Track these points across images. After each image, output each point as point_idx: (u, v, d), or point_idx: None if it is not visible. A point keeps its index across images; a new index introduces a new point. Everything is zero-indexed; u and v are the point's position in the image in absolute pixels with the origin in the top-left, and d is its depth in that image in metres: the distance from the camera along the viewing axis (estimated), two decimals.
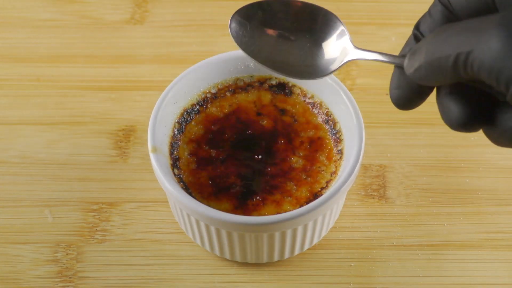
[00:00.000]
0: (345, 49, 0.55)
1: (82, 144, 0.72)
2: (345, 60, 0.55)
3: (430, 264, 0.64)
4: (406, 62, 0.47)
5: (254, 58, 0.56)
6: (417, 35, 0.50)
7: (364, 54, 0.54)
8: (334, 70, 0.55)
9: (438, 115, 0.75)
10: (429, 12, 0.50)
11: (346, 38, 0.56)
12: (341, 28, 0.56)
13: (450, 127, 0.47)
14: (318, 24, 0.56)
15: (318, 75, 0.55)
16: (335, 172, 0.62)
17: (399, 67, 0.50)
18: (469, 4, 0.47)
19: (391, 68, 0.78)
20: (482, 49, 0.40)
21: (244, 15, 0.57)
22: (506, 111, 0.45)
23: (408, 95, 0.49)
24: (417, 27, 0.51)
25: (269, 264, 0.64)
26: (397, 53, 0.80)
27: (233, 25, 0.57)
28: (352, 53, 0.55)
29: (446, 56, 0.43)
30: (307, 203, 0.60)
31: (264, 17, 0.57)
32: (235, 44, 0.80)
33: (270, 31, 0.57)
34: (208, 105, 0.66)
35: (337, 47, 0.56)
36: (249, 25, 0.57)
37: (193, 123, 0.64)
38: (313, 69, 0.55)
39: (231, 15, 0.57)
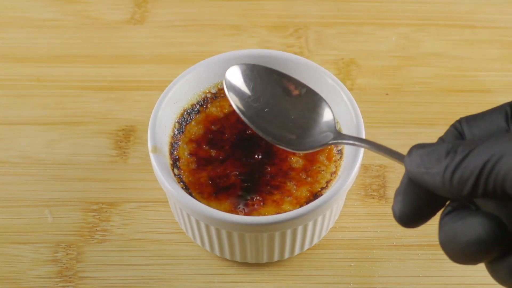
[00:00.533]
0: (330, 133, 0.57)
1: (82, 144, 0.72)
2: (329, 141, 0.57)
3: (430, 264, 0.64)
4: (411, 159, 0.44)
5: (242, 115, 0.58)
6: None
7: (350, 140, 0.55)
8: (317, 148, 0.57)
9: (438, 115, 0.76)
10: (441, 139, 0.48)
11: (333, 123, 0.58)
12: (330, 115, 0.59)
13: (459, 250, 0.43)
14: (308, 104, 0.59)
15: (300, 149, 0.57)
16: (335, 172, 0.62)
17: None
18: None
19: (391, 68, 0.78)
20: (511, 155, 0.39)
21: (241, 72, 0.60)
22: None
23: (416, 208, 0.45)
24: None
25: (269, 264, 0.64)
26: (397, 54, 0.80)
27: (228, 78, 0.60)
28: (338, 136, 0.57)
29: (473, 166, 0.41)
30: (307, 203, 0.60)
31: (262, 81, 0.60)
32: (235, 45, 0.80)
33: (267, 94, 0.60)
34: (208, 105, 0.66)
35: (323, 131, 0.58)
36: (243, 81, 0.60)
37: (193, 123, 0.64)
38: (295, 141, 0.58)
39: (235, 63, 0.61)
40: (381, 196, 0.68)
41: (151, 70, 0.78)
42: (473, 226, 0.41)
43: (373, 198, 0.68)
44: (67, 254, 0.65)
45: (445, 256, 0.65)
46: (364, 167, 0.70)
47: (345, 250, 0.65)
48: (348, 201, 0.68)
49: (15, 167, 0.70)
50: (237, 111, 0.59)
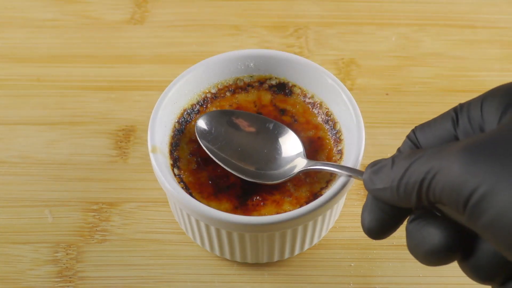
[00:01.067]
0: (299, 162, 0.60)
1: (82, 144, 0.72)
2: (297, 171, 0.60)
3: None
4: (367, 177, 0.47)
5: (215, 157, 0.61)
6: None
7: (319, 167, 0.58)
8: (285, 179, 0.60)
9: (438, 115, 0.75)
10: (398, 151, 0.51)
11: (301, 152, 0.61)
12: (300, 146, 0.61)
13: (422, 257, 0.45)
14: (277, 137, 0.62)
15: (274, 180, 0.60)
16: None
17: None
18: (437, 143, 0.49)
19: (391, 68, 0.78)
20: (445, 170, 0.42)
21: (211, 118, 0.62)
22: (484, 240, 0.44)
23: (382, 221, 0.48)
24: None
25: (269, 264, 0.64)
26: (397, 54, 0.80)
27: (199, 125, 0.62)
28: (306, 164, 0.60)
29: (413, 181, 0.43)
30: (307, 203, 0.59)
31: (230, 124, 0.63)
32: (235, 45, 0.80)
33: (235, 136, 0.62)
34: (208, 105, 0.66)
35: (291, 159, 0.61)
36: (214, 127, 0.62)
37: (193, 123, 0.64)
38: (267, 173, 0.60)
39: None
40: None
41: (151, 70, 0.78)
42: (430, 237, 0.45)
43: None
44: (67, 254, 0.65)
45: None
46: (364, 167, 0.70)
47: (345, 250, 0.65)
48: (348, 201, 0.68)
49: (15, 167, 0.70)
50: (211, 156, 0.61)
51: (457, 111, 0.48)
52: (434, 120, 0.49)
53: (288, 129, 0.62)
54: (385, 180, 0.46)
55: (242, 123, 0.63)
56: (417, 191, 0.44)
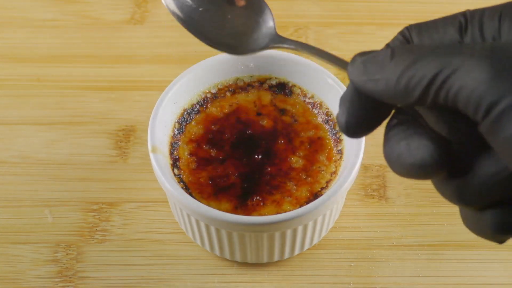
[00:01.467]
0: (271, 37, 0.55)
1: (82, 144, 0.72)
2: (269, 46, 0.54)
3: (430, 264, 0.64)
4: (354, 68, 0.41)
5: (179, 20, 0.56)
6: None
7: (288, 44, 0.52)
8: (254, 52, 0.55)
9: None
10: (387, 46, 0.45)
11: (273, 28, 0.55)
12: (271, 20, 0.56)
13: (403, 169, 0.40)
14: (253, 11, 0.57)
15: (238, 52, 0.55)
16: (335, 172, 0.62)
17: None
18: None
19: None
20: (469, 71, 0.37)
21: None
22: (486, 156, 0.40)
23: (361, 118, 0.42)
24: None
25: (269, 264, 0.64)
26: None
27: None
28: (276, 40, 0.54)
29: (421, 75, 0.38)
30: (307, 203, 0.60)
31: None
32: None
33: (207, 1, 0.57)
34: (208, 105, 0.66)
35: (263, 35, 0.56)
36: None
37: (193, 123, 0.65)
38: (236, 46, 0.55)
39: None
40: (381, 196, 0.68)
41: (151, 70, 0.78)
42: (418, 149, 0.40)
43: (373, 198, 0.68)
44: (67, 254, 0.65)
45: (445, 256, 0.65)
46: (364, 167, 0.70)
47: (345, 250, 0.65)
48: (348, 201, 0.68)
49: (15, 167, 0.70)
50: (175, 16, 0.56)
51: (467, 16, 0.43)
52: (435, 21, 0.44)
53: (263, 1, 0.57)
54: (381, 71, 0.40)
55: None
56: (424, 87, 0.38)
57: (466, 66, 0.37)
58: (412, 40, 0.44)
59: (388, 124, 0.43)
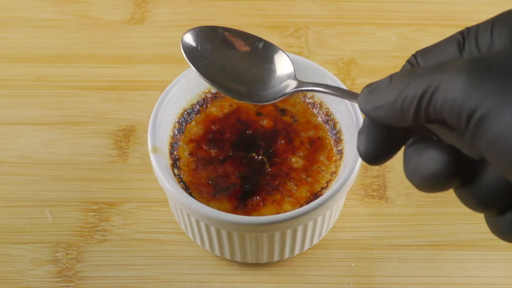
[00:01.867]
0: (290, 82, 0.57)
1: (82, 144, 0.72)
2: (288, 91, 0.57)
3: (430, 264, 0.64)
4: (362, 98, 0.45)
5: (202, 75, 0.58)
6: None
7: (310, 86, 0.56)
8: (278, 99, 0.57)
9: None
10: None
11: (292, 72, 0.58)
12: (288, 62, 0.59)
13: (420, 182, 0.43)
14: (268, 57, 0.59)
15: (262, 100, 0.57)
16: (335, 172, 0.62)
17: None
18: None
19: (391, 68, 0.78)
20: (448, 85, 0.40)
21: (198, 34, 0.60)
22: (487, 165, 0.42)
23: (379, 146, 0.45)
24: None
25: (269, 264, 0.64)
26: (397, 54, 0.80)
27: (186, 41, 0.59)
28: (297, 85, 0.57)
29: (412, 95, 0.41)
30: (307, 203, 0.60)
31: (219, 40, 0.60)
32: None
33: (222, 53, 0.59)
34: (208, 105, 0.66)
35: (282, 80, 0.58)
36: (201, 44, 0.59)
37: (193, 123, 0.64)
38: (257, 94, 0.58)
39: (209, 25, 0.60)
40: (381, 196, 0.68)
41: (151, 70, 0.78)
42: (428, 161, 0.42)
43: (373, 198, 0.68)
44: (67, 254, 0.65)
45: (445, 256, 0.65)
46: (364, 167, 0.70)
47: (345, 250, 0.65)
48: (348, 201, 0.68)
49: (15, 167, 0.70)
50: (197, 73, 0.58)
51: (464, 34, 0.46)
52: (437, 44, 0.47)
53: (279, 48, 0.60)
54: (382, 97, 0.43)
55: (230, 40, 0.60)
56: (416, 106, 0.41)
57: (447, 81, 0.40)
58: (418, 65, 0.47)
59: (406, 144, 0.45)
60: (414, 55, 0.48)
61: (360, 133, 0.46)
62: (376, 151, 0.45)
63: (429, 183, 0.42)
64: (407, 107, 0.42)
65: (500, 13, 0.45)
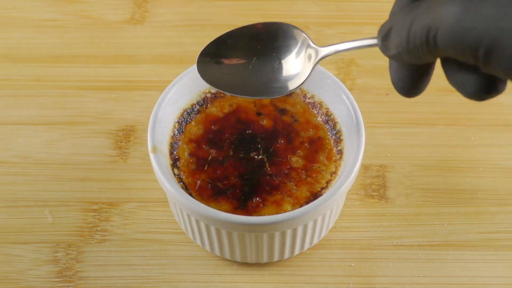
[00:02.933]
0: (314, 52, 0.57)
1: (82, 144, 0.72)
2: (316, 60, 0.56)
3: (430, 264, 0.64)
4: (380, 46, 0.48)
5: (226, 91, 0.58)
6: None
7: (333, 48, 0.55)
8: (308, 76, 0.57)
9: (438, 115, 0.75)
10: None
11: (309, 43, 0.57)
12: (302, 36, 0.57)
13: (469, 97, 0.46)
14: (280, 40, 0.58)
15: (290, 88, 0.57)
16: (335, 172, 0.61)
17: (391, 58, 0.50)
18: None
19: None
20: (446, 21, 0.41)
21: (208, 53, 0.59)
22: None
23: (410, 79, 0.49)
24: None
25: (269, 264, 0.64)
26: None
27: (200, 65, 0.59)
28: (321, 51, 0.56)
29: (420, 41, 0.43)
30: (307, 203, 0.60)
31: (228, 49, 0.59)
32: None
33: (236, 61, 0.59)
34: (208, 105, 0.66)
35: (303, 56, 0.57)
36: (214, 62, 0.59)
37: (193, 123, 0.64)
38: (285, 83, 0.57)
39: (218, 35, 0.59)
40: (381, 196, 0.68)
41: (151, 70, 0.78)
42: (468, 83, 0.45)
43: (373, 198, 0.68)
44: (67, 254, 0.65)
45: (445, 256, 0.65)
46: (364, 167, 0.70)
47: (345, 250, 0.65)
48: (348, 201, 0.68)
49: (15, 167, 0.70)
50: (220, 90, 0.59)
51: None
52: None
53: (285, 23, 0.58)
54: (395, 45, 0.46)
55: (236, 45, 0.59)
56: (426, 51, 0.43)
57: (445, 16, 0.41)
58: None
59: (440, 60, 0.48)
60: None
61: (390, 69, 0.49)
62: (409, 83, 0.49)
63: (477, 98, 0.46)
64: (422, 53, 0.44)
65: None
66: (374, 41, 0.51)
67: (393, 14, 0.49)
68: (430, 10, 0.42)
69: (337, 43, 0.54)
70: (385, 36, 0.47)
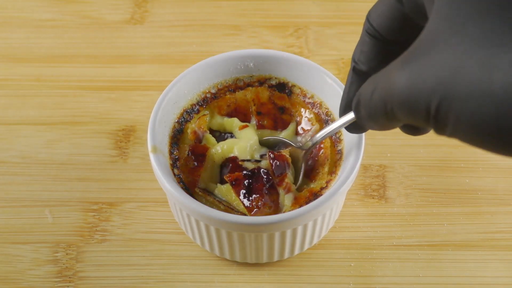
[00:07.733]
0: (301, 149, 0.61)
1: (82, 144, 0.72)
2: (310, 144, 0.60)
3: (430, 264, 0.64)
4: (356, 118, 0.49)
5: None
6: (356, 66, 0.52)
7: (315, 140, 0.59)
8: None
9: None
10: (361, 43, 0.51)
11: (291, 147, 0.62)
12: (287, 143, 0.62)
13: None
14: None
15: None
16: (335, 172, 0.61)
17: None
18: (392, 26, 0.49)
19: None
20: (396, 92, 0.42)
21: None
22: None
23: (411, 132, 0.53)
24: (354, 59, 0.52)
25: (269, 264, 0.64)
26: None
27: None
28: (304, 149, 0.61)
29: (380, 113, 0.44)
30: (307, 203, 0.60)
31: None
32: (235, 45, 0.80)
33: None
34: (208, 105, 0.65)
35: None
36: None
37: (193, 123, 0.64)
38: None
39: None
40: (381, 196, 0.68)
41: (151, 70, 0.78)
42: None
43: (373, 198, 0.68)
44: (67, 254, 0.65)
45: (445, 256, 0.65)
46: (364, 167, 0.70)
47: (345, 250, 0.65)
48: (348, 201, 0.68)
49: (15, 167, 0.70)
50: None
51: None
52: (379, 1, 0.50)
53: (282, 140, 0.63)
54: (365, 117, 0.47)
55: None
56: (387, 121, 0.45)
57: (393, 88, 0.42)
58: (376, 30, 0.50)
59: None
60: (368, 19, 0.50)
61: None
62: (411, 132, 0.53)
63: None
64: (388, 123, 0.45)
65: None
66: (352, 115, 0.53)
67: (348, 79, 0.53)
68: (381, 82, 0.43)
69: (320, 134, 0.58)
70: (355, 108, 0.48)
